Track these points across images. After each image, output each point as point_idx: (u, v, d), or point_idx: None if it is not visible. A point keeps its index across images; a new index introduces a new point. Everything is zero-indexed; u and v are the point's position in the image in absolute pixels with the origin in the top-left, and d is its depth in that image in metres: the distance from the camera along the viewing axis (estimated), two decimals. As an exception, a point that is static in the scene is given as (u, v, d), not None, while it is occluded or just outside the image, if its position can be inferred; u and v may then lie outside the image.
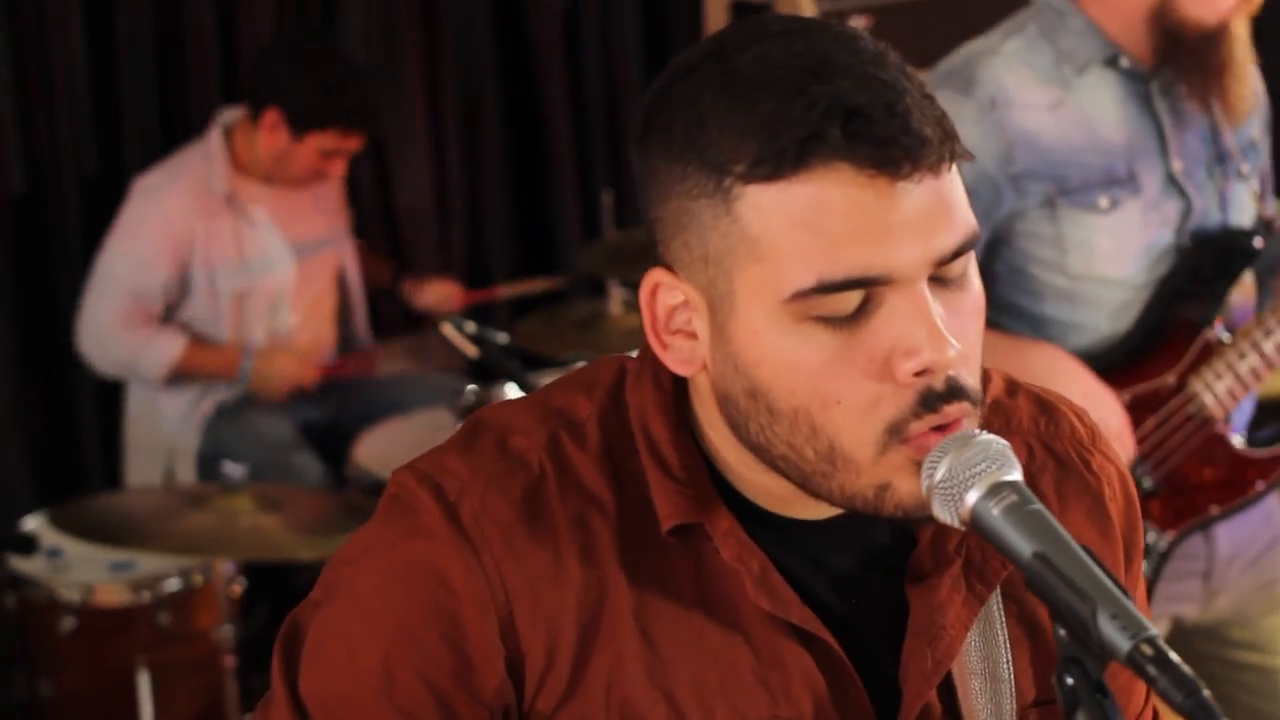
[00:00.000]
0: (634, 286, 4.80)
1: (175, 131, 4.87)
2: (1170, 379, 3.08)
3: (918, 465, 1.44)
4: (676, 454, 1.52)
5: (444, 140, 5.51)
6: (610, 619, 1.51)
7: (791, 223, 1.40)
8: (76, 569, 4.02)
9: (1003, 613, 1.58)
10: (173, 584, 3.99)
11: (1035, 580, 1.38)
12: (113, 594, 3.98)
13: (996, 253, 3.09)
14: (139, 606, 3.97)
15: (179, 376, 4.60)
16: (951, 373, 1.44)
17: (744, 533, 1.51)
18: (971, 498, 1.42)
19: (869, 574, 1.56)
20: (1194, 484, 3.09)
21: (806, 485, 1.48)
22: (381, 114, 4.84)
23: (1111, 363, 3.08)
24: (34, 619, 3.98)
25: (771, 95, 1.40)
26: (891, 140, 1.39)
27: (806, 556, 1.54)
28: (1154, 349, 3.09)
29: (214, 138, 4.61)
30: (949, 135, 1.43)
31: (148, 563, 4.00)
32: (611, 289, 4.72)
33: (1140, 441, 3.08)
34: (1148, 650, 1.32)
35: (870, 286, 1.42)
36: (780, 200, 1.40)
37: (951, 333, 1.43)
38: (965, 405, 1.45)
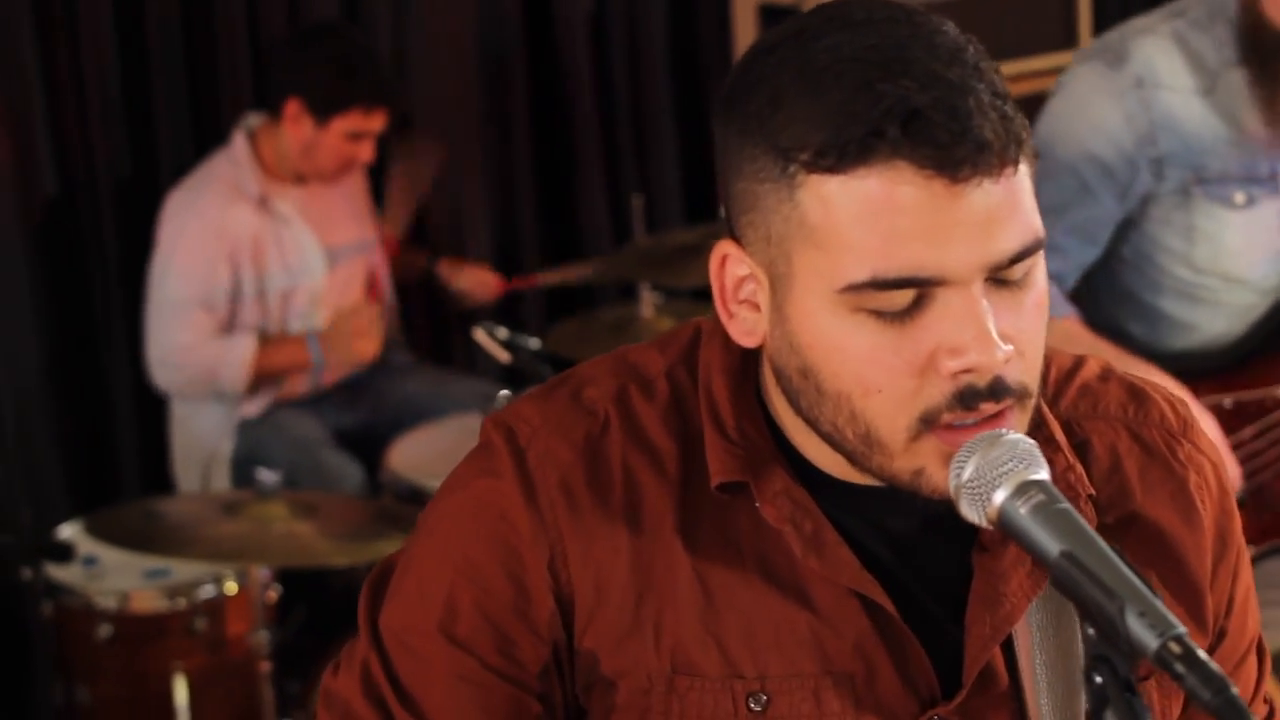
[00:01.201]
0: (665, 290, 4.82)
1: (207, 134, 4.88)
2: (1278, 391, 3.04)
3: (948, 457, 1.47)
4: (734, 414, 1.57)
5: (473, 147, 5.51)
6: (666, 566, 1.56)
7: (850, 216, 1.43)
8: (112, 576, 4.03)
9: None
10: (208, 590, 3.99)
11: (1063, 579, 1.39)
12: (149, 601, 3.99)
13: (1126, 236, 3.06)
14: (175, 613, 3.98)
15: (257, 381, 4.61)
16: (998, 373, 1.45)
17: (803, 493, 1.55)
18: (999, 497, 1.44)
19: (931, 540, 1.58)
20: None
21: (851, 461, 1.53)
22: (399, 89, 4.82)
23: (1219, 365, 3.03)
24: (70, 627, 3.99)
25: (841, 86, 1.43)
26: (951, 143, 1.41)
27: (867, 520, 1.57)
28: (1266, 358, 3.04)
29: (239, 142, 4.61)
30: (1015, 139, 1.44)
31: (183, 569, 4.00)
32: (643, 293, 4.72)
33: (1234, 449, 3.02)
34: (1175, 648, 1.32)
35: (923, 286, 1.44)
36: (841, 192, 1.43)
37: (1007, 332, 1.45)
38: (1009, 401, 1.47)
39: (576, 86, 5.63)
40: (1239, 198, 2.96)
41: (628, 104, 5.74)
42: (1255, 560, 3.03)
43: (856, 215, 1.42)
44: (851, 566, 1.54)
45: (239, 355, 4.55)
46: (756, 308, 1.53)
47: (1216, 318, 3.02)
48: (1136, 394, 1.68)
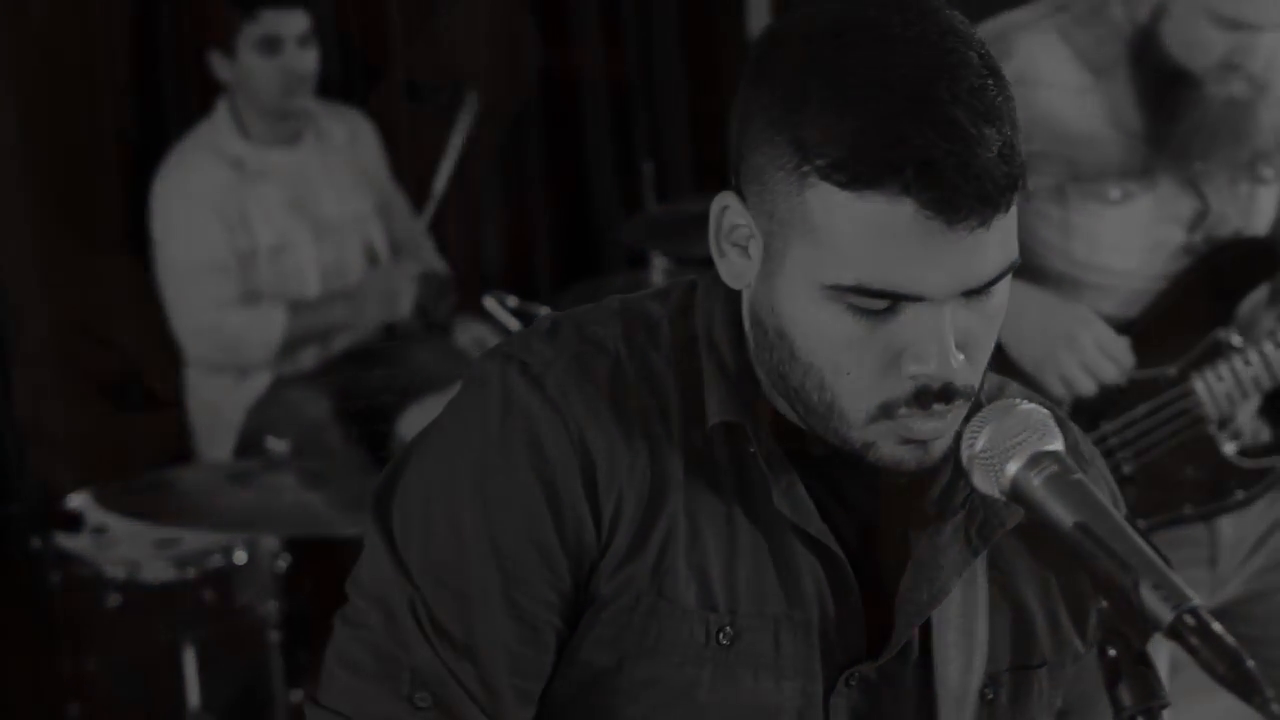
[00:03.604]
0: (676, 259, 4.80)
1: (213, 98, 4.87)
2: (1171, 370, 3.05)
3: (901, 439, 1.55)
4: (735, 359, 1.64)
5: (483, 115, 5.49)
6: (668, 497, 1.61)
7: (849, 229, 1.50)
8: (121, 546, 4.02)
9: (986, 579, 1.67)
10: (217, 560, 3.99)
11: (1077, 550, 1.39)
12: (157, 571, 3.98)
13: None
14: (184, 583, 3.97)
15: (295, 346, 4.63)
16: (950, 379, 1.52)
17: (776, 445, 1.62)
18: (1012, 468, 1.47)
19: (881, 511, 1.65)
20: (1173, 480, 3.06)
21: (806, 419, 1.60)
22: None
23: None
24: (79, 596, 3.99)
25: (866, 113, 1.49)
26: (956, 195, 1.48)
27: (828, 482, 1.64)
28: (1161, 339, 3.05)
29: (220, 109, 4.67)
30: (1014, 184, 1.51)
31: (192, 539, 4.00)
32: (654, 260, 4.71)
33: (1127, 427, 3.05)
34: (1190, 621, 1.33)
35: (901, 300, 1.51)
36: (845, 207, 1.50)
37: (964, 340, 1.53)
38: (958, 401, 1.54)
39: (587, 53, 5.61)
40: (1114, 193, 2.98)
41: (639, 71, 5.72)
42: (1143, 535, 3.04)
43: (855, 230, 1.50)
44: (814, 517, 1.62)
45: (266, 327, 4.57)
46: (748, 255, 1.59)
47: (1103, 302, 3.02)
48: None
